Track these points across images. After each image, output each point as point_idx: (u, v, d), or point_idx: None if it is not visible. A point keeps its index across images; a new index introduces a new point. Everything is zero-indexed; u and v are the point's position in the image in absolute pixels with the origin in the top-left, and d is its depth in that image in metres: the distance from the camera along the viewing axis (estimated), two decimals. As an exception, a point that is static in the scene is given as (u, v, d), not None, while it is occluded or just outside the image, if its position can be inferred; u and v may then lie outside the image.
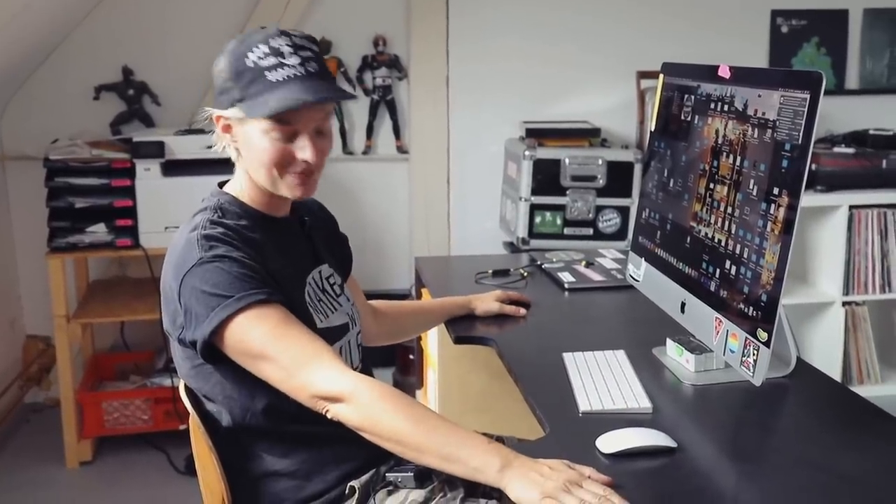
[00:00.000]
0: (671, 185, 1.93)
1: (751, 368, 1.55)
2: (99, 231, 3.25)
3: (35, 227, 3.43)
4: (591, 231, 3.50)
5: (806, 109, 1.47)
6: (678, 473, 1.41)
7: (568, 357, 1.82)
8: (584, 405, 1.61)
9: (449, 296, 2.21)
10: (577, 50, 3.89)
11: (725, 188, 1.69)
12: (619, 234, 3.49)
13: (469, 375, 2.49)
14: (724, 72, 1.74)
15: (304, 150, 1.55)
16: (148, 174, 3.23)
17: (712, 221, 1.73)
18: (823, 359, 3.47)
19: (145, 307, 3.34)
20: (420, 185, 3.90)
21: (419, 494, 1.56)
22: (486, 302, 2.13)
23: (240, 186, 1.63)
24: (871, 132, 3.69)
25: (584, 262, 2.57)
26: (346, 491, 1.58)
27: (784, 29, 4.01)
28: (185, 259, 1.50)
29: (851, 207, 3.48)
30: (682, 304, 1.82)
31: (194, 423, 1.60)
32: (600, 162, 3.47)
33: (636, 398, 1.62)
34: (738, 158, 1.65)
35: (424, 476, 1.57)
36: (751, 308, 1.56)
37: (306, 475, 1.58)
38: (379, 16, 3.80)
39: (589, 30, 3.90)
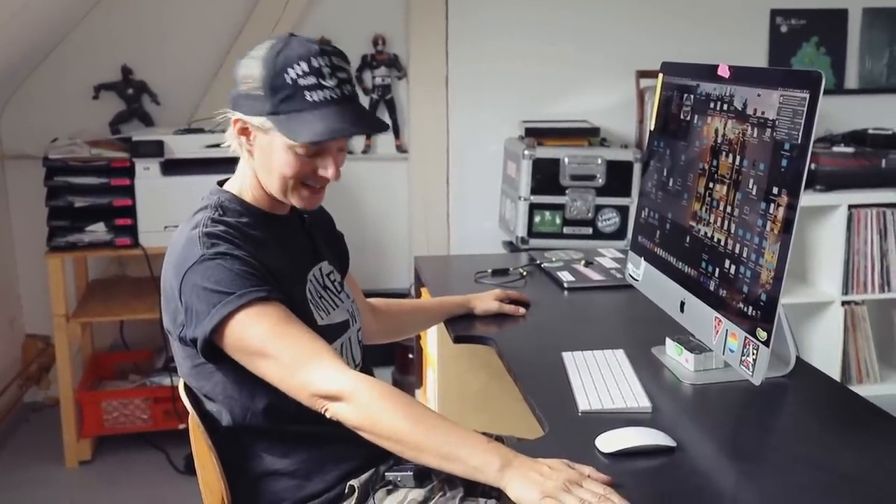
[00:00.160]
0: (670, 184, 1.93)
1: (750, 368, 1.55)
2: (98, 230, 3.24)
3: (34, 227, 3.43)
4: (590, 230, 3.51)
5: (805, 109, 1.47)
6: (677, 473, 1.41)
7: (567, 356, 1.82)
8: (583, 404, 1.61)
9: (448, 295, 2.21)
10: (577, 49, 3.89)
11: (725, 187, 1.69)
12: (619, 234, 3.49)
13: (468, 375, 2.49)
14: (724, 71, 1.74)
15: (327, 169, 1.57)
16: (147, 173, 3.23)
17: (712, 221, 1.73)
18: (823, 358, 3.47)
19: (145, 306, 3.34)
20: (419, 184, 3.90)
21: (419, 494, 1.56)
22: (486, 301, 2.14)
23: (242, 185, 1.63)
24: (871, 132, 3.69)
25: (583, 262, 2.57)
26: (346, 490, 1.58)
27: (783, 28, 4.01)
28: (186, 256, 1.50)
29: (851, 207, 3.48)
30: (682, 304, 1.82)
31: (194, 422, 1.60)
32: (599, 161, 3.47)
33: (635, 397, 1.62)
34: (738, 158, 1.65)
35: (424, 475, 1.57)
36: (750, 307, 1.56)
37: (306, 474, 1.58)
38: (378, 15, 3.80)
39: (588, 29, 3.90)
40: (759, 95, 1.60)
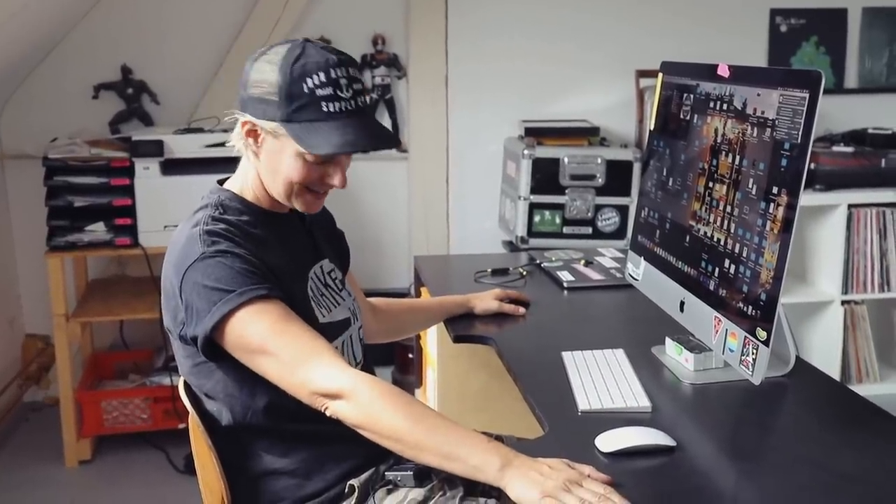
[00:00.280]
0: (670, 184, 1.93)
1: (750, 367, 1.55)
2: (98, 230, 3.24)
3: (34, 226, 3.43)
4: (590, 230, 3.51)
5: (805, 108, 1.47)
6: (677, 472, 1.41)
7: (567, 356, 1.82)
8: (583, 404, 1.61)
9: (448, 295, 2.21)
10: (576, 49, 3.89)
11: (724, 187, 1.69)
12: (619, 233, 3.49)
13: (468, 374, 2.50)
14: (724, 71, 1.74)
15: (335, 177, 1.58)
16: (147, 173, 3.23)
17: (711, 220, 1.73)
18: (822, 358, 3.47)
19: (144, 306, 3.34)
20: (419, 184, 3.90)
21: (418, 493, 1.56)
22: (485, 301, 2.14)
23: (243, 184, 1.63)
24: (870, 131, 3.69)
25: (583, 261, 2.57)
26: (346, 490, 1.58)
27: (783, 28, 4.01)
28: (186, 254, 1.50)
29: (850, 206, 3.48)
30: (682, 303, 1.82)
31: (193, 421, 1.60)
32: (599, 161, 3.47)
33: (635, 397, 1.62)
34: (738, 157, 1.65)
35: (424, 475, 1.57)
36: (750, 307, 1.56)
37: (306, 474, 1.58)
38: (378, 15, 3.80)
39: (588, 28, 3.90)
40: (758, 95, 1.60)
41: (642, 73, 3.85)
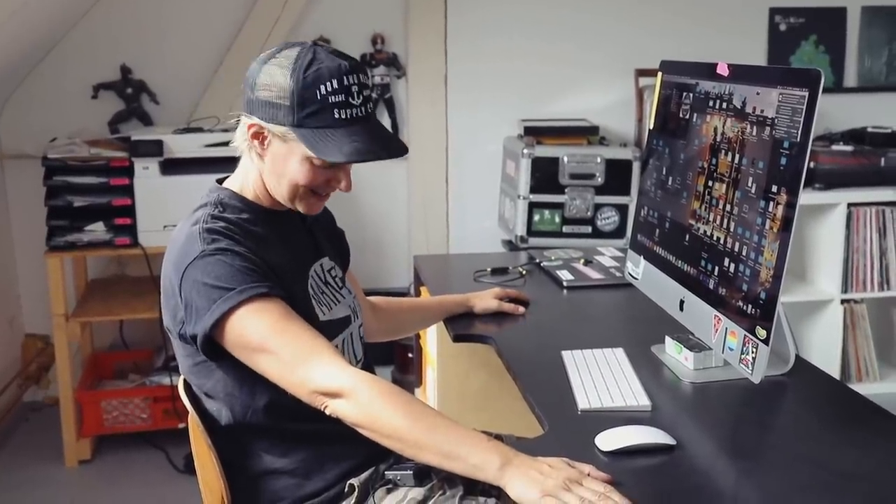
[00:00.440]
0: (670, 183, 1.93)
1: (749, 366, 1.55)
2: (97, 230, 3.24)
3: (34, 226, 3.43)
4: (589, 229, 3.51)
5: (804, 107, 1.47)
6: (677, 471, 1.41)
7: (567, 355, 1.82)
8: (583, 403, 1.61)
9: (448, 294, 2.21)
10: (576, 48, 3.89)
11: (724, 186, 1.69)
12: (618, 233, 3.49)
13: (468, 374, 2.50)
14: (723, 69, 1.74)
15: (342, 182, 1.59)
16: (146, 173, 3.23)
17: (711, 219, 1.73)
18: (822, 356, 3.47)
19: (144, 306, 3.34)
20: (419, 183, 3.90)
21: (418, 492, 1.56)
22: (485, 300, 2.14)
23: (243, 183, 1.63)
24: (870, 130, 3.69)
25: (582, 261, 2.57)
26: (346, 489, 1.58)
27: (782, 27, 4.01)
28: (186, 252, 1.50)
29: (850, 205, 3.48)
30: (681, 302, 1.82)
31: (193, 421, 1.60)
32: (599, 160, 3.47)
33: (635, 396, 1.62)
34: (737, 156, 1.65)
35: (423, 474, 1.57)
36: (749, 306, 1.56)
37: (306, 473, 1.58)
38: (377, 14, 3.80)
39: (587, 28, 3.90)
40: (758, 94, 1.60)
41: (642, 73, 3.85)
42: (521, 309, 2.15)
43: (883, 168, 3.51)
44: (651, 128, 2.06)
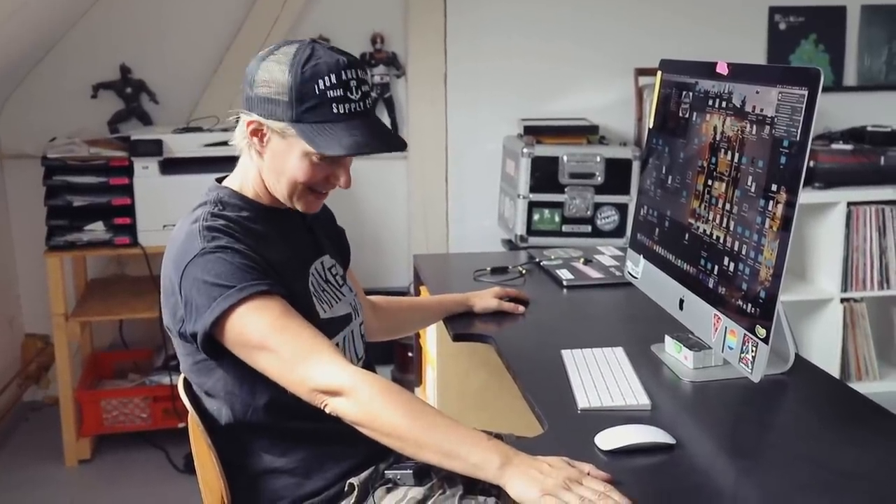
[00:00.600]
0: (669, 182, 1.93)
1: (749, 365, 1.55)
2: (97, 229, 3.24)
3: (33, 226, 3.43)
4: (589, 228, 3.51)
5: (804, 106, 1.47)
6: (677, 470, 1.41)
7: (566, 354, 1.82)
8: (582, 402, 1.61)
9: (447, 293, 2.21)
10: (575, 47, 3.89)
11: (724, 185, 1.69)
12: (618, 232, 3.49)
13: (468, 373, 2.50)
14: (723, 68, 1.74)
15: (341, 178, 1.59)
16: (146, 172, 3.23)
17: (710, 218, 1.73)
18: (822, 355, 3.48)
19: (144, 305, 3.34)
20: (418, 182, 3.90)
21: (418, 492, 1.56)
22: (485, 299, 2.14)
23: (242, 181, 1.63)
24: (869, 129, 3.69)
25: (582, 260, 2.57)
26: (346, 488, 1.58)
27: (782, 26, 4.01)
28: (186, 250, 1.50)
29: (849, 204, 3.48)
30: (681, 301, 1.82)
31: (193, 420, 1.60)
32: (598, 159, 3.47)
33: (635, 395, 1.62)
34: (737, 155, 1.65)
35: (423, 473, 1.57)
36: (749, 305, 1.56)
37: (305, 472, 1.58)
38: (377, 13, 3.80)
39: (587, 27, 3.90)
40: (757, 93, 1.60)
41: (641, 72, 3.85)
42: (521, 308, 2.15)
43: (882, 167, 3.51)
44: (651, 127, 2.06)
